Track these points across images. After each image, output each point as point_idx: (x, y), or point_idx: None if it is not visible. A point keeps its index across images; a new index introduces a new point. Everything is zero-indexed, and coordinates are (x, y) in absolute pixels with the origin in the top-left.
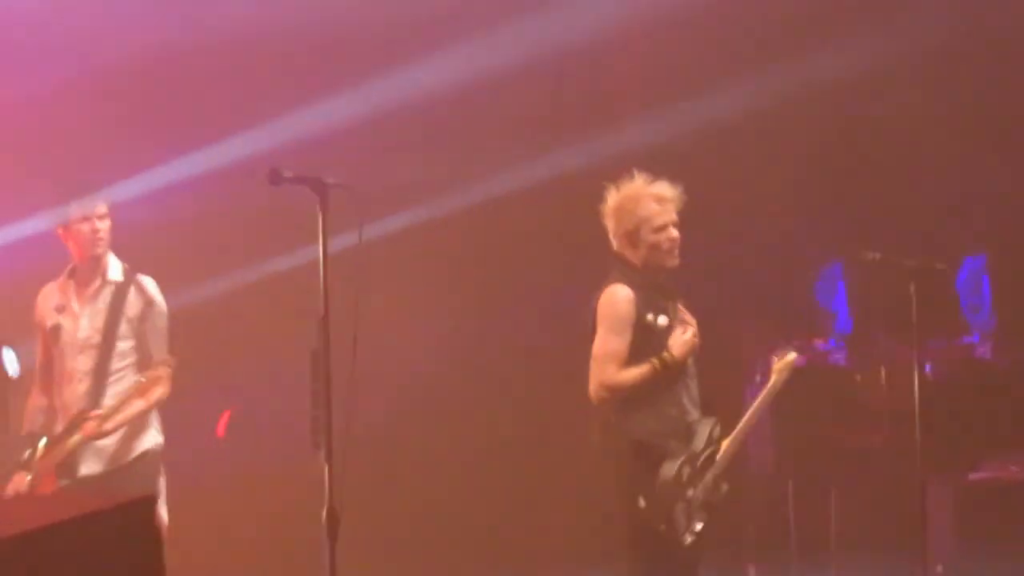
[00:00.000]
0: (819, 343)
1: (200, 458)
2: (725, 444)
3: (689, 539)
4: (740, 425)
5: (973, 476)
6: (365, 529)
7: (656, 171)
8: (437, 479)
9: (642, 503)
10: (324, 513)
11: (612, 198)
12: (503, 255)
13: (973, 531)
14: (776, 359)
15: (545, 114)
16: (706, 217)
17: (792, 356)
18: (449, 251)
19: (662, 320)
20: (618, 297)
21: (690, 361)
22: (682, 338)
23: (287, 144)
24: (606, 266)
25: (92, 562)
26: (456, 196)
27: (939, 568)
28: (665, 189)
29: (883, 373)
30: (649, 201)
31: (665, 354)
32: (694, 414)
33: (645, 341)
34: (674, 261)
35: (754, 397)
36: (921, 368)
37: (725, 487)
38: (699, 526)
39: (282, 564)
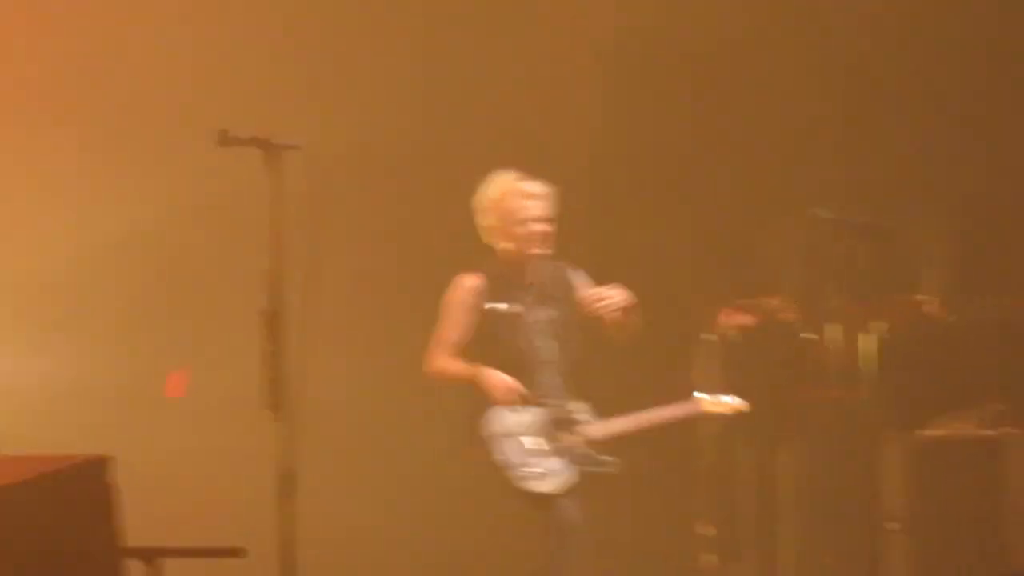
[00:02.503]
0: (769, 300)
1: (154, 419)
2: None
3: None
4: (621, 422)
5: (925, 433)
6: (322, 495)
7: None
8: (396, 444)
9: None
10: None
11: (482, 194)
12: (461, 219)
13: (926, 489)
14: (709, 401)
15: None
16: (658, 169)
17: (727, 407)
18: (406, 214)
19: (503, 307)
20: (457, 285)
21: (556, 347)
22: (503, 383)
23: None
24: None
25: (46, 522)
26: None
27: (892, 525)
28: (535, 187)
29: (834, 331)
30: (517, 197)
31: (484, 371)
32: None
33: (492, 325)
34: (541, 250)
35: (661, 407)
36: (870, 325)
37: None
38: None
39: (237, 525)
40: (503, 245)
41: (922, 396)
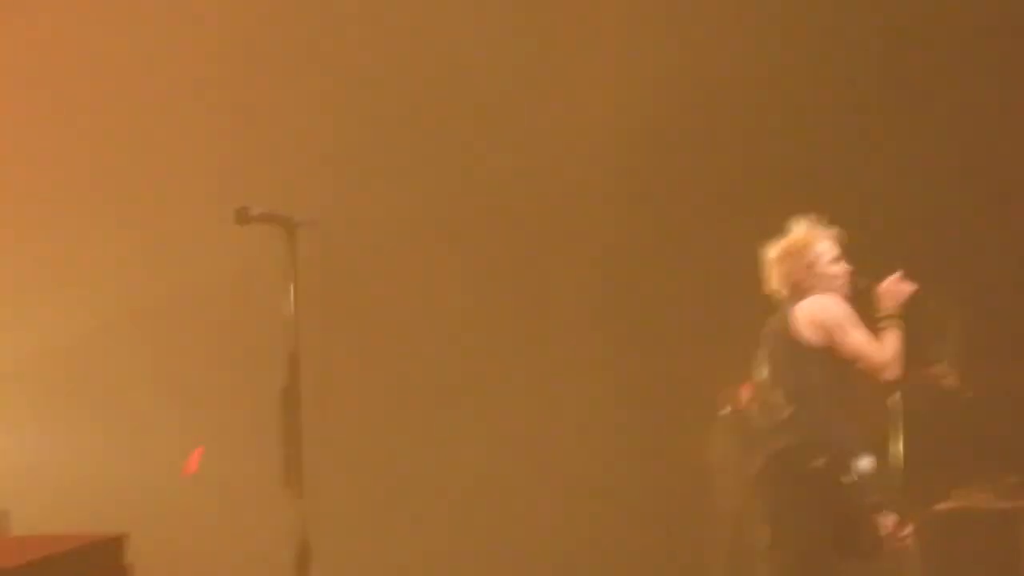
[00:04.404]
0: None
1: (173, 495)
2: None
3: None
4: None
5: (940, 506)
6: (336, 566)
7: None
8: (410, 518)
9: None
10: (295, 550)
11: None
12: (474, 290)
13: (940, 560)
14: None
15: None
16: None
17: None
18: (420, 283)
19: None
20: (832, 302)
21: None
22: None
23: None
24: None
25: None
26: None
27: None
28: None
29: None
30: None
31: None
32: None
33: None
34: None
35: None
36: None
37: None
38: None
39: None
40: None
41: (938, 469)
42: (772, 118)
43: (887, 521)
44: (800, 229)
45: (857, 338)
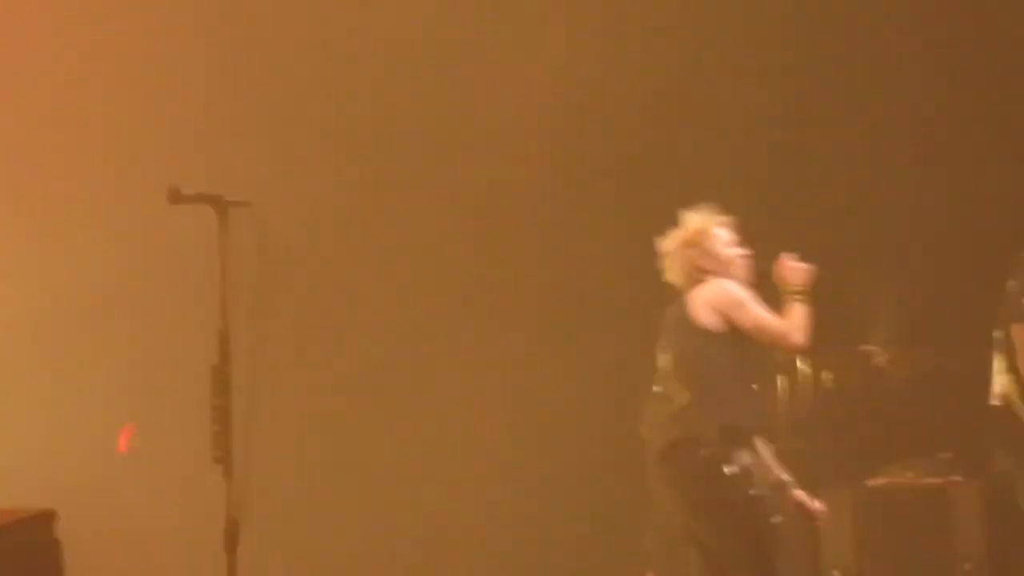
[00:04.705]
0: None
1: (103, 472)
2: None
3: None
4: None
5: (870, 482)
6: (265, 543)
7: None
8: (341, 496)
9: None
10: (224, 528)
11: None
12: (409, 274)
13: (870, 538)
14: None
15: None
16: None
17: None
18: (354, 268)
19: None
20: (730, 287)
21: None
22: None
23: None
24: None
25: None
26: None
27: (837, 574)
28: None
29: (782, 381)
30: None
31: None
32: None
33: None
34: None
35: None
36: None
37: None
38: None
39: None
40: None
41: (870, 446)
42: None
43: (795, 499)
44: (694, 218)
45: (755, 312)
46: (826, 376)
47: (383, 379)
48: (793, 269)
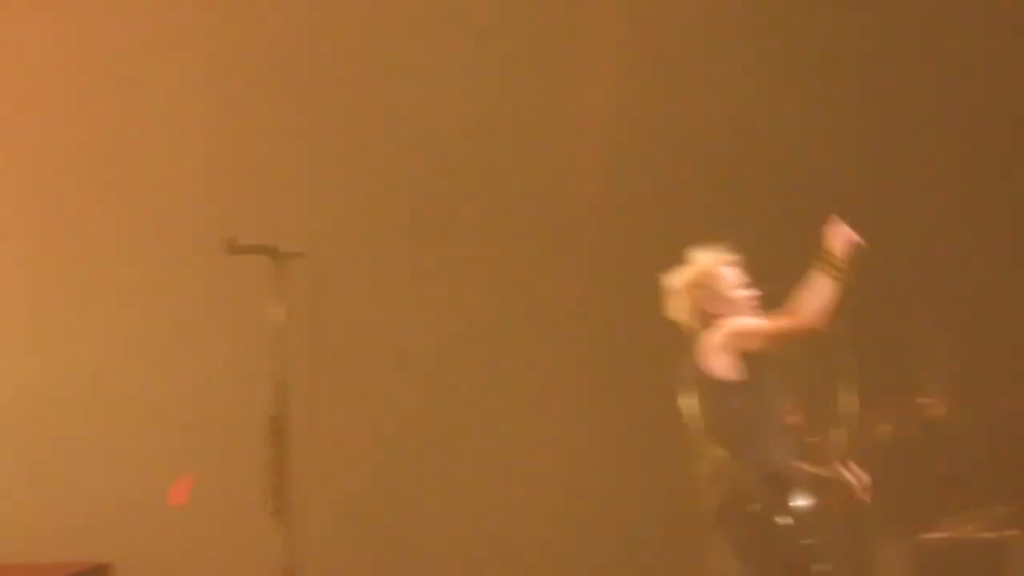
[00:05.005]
0: None
1: (159, 524)
2: None
3: None
4: None
5: (928, 536)
6: None
7: None
8: (398, 547)
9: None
10: None
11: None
12: (459, 323)
13: None
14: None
15: None
16: None
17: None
18: (408, 310)
19: None
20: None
21: None
22: None
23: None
24: None
25: None
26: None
27: None
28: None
29: (839, 434)
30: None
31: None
32: None
33: None
34: None
35: None
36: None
37: None
38: None
39: None
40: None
41: (926, 499)
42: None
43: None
44: (704, 257)
45: (758, 327)
46: (881, 429)
47: (438, 429)
48: (839, 235)
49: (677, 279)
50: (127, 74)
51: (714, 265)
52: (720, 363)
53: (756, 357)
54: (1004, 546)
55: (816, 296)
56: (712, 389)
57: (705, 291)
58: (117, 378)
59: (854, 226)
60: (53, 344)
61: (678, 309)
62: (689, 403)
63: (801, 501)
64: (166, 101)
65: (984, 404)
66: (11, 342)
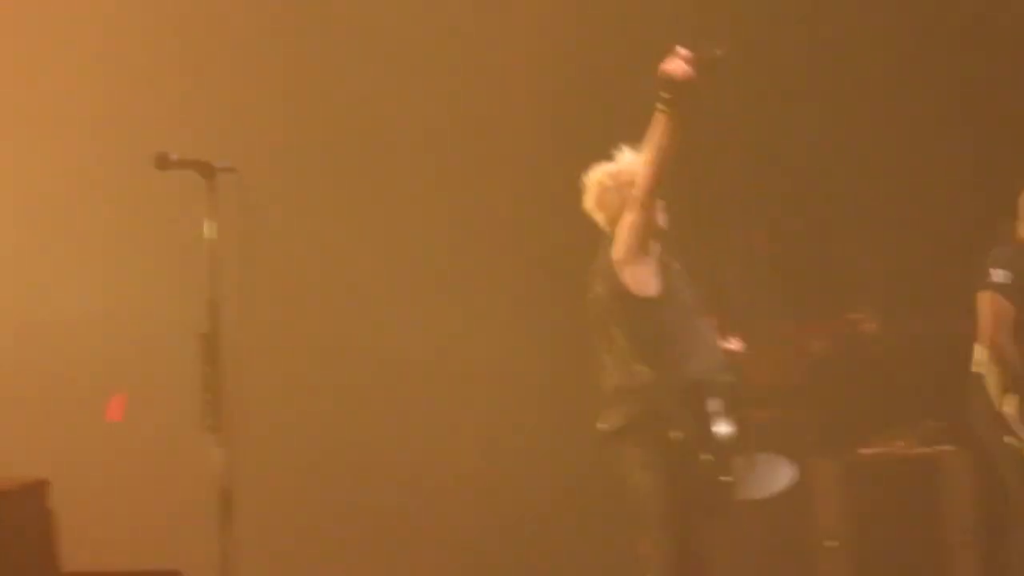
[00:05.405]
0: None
1: (94, 442)
2: None
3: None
4: None
5: (861, 451)
6: (259, 512)
7: None
8: (334, 462)
9: None
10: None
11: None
12: (396, 240)
13: (861, 506)
14: None
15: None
16: None
17: None
18: (343, 232)
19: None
20: None
21: None
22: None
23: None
24: None
25: None
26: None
27: (830, 543)
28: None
29: (768, 350)
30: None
31: None
32: None
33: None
34: None
35: None
36: (807, 344)
37: None
38: None
39: (178, 548)
40: None
41: (860, 415)
42: None
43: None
44: (626, 157)
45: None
46: (814, 345)
47: (374, 344)
48: (670, 66)
49: (604, 175)
50: None
51: (632, 164)
52: (631, 275)
53: (670, 270)
54: (937, 461)
55: (653, 133)
56: (626, 302)
57: (622, 192)
58: (50, 296)
59: (791, 139)
60: None
61: (591, 200)
62: (602, 315)
63: (723, 428)
64: (101, 14)
65: (916, 319)
66: None
